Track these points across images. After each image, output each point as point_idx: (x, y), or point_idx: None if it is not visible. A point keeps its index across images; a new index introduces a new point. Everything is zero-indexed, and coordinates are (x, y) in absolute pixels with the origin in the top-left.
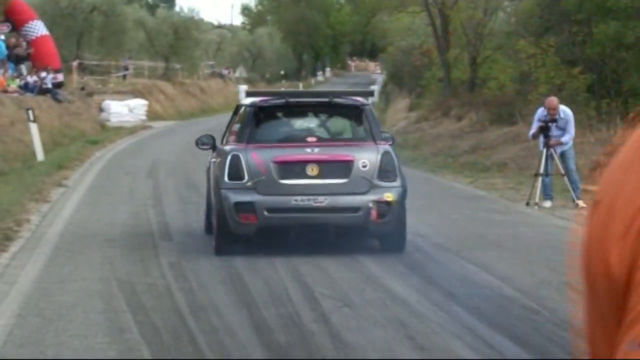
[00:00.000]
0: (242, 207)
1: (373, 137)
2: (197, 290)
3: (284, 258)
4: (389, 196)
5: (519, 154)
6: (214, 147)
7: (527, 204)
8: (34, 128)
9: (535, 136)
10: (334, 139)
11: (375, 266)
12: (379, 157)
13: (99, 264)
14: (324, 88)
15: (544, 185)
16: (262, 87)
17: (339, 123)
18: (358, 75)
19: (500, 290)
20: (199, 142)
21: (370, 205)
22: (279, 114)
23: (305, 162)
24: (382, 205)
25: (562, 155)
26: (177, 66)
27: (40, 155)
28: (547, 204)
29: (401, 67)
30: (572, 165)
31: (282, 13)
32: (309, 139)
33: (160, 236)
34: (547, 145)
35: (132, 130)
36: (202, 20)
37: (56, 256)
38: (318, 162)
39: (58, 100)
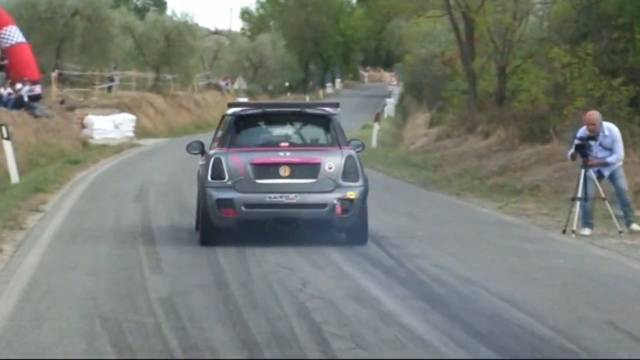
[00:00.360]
0: (223, 203)
1: (338, 142)
2: (190, 330)
3: (288, 292)
4: (351, 194)
5: (554, 175)
6: (202, 152)
7: (564, 231)
8: (7, 146)
9: (574, 157)
10: (304, 144)
11: (390, 301)
12: (343, 160)
13: (80, 299)
14: (334, 100)
15: (583, 210)
16: (265, 99)
17: (309, 130)
18: (372, 86)
19: (533, 328)
20: (189, 148)
21: (335, 202)
22: (257, 122)
23: (279, 164)
24: (346, 202)
25: (612, 176)
26: (169, 77)
27: (14, 177)
28: (586, 231)
29: (420, 78)
30: (623, 185)
31: (286, 17)
32: (282, 144)
33: (149, 268)
34: (585, 166)
35: (118, 148)
36: (196, 25)
37: (32, 290)
38: (290, 164)
39: (35, 115)
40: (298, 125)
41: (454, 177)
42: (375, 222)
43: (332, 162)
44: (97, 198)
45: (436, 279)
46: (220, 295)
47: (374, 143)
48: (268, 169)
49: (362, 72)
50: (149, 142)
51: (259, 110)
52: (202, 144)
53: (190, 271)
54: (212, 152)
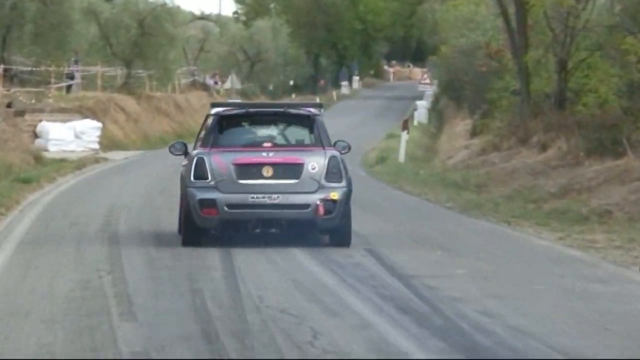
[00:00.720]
0: (206, 203)
1: (322, 143)
2: None
3: (295, 346)
4: (334, 195)
5: (629, 198)
6: (185, 153)
7: None
8: None
9: None
10: (288, 144)
11: (423, 357)
12: (327, 161)
13: (32, 354)
14: (353, 102)
15: None
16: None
17: (292, 130)
18: (398, 85)
19: None
20: (172, 149)
21: (318, 202)
22: (240, 122)
23: (262, 165)
24: (329, 202)
25: None
26: (143, 73)
27: None
28: None
29: (460, 75)
30: None
31: None
32: (265, 144)
33: (119, 314)
34: None
35: (79, 163)
36: (178, 8)
37: None
38: (272, 164)
39: None
40: (281, 125)
41: (502, 201)
42: (403, 256)
43: (315, 162)
44: (54, 227)
45: (481, 328)
46: (209, 349)
47: (401, 157)
48: (251, 169)
49: (386, 67)
50: (118, 156)
51: (242, 111)
52: (185, 145)
53: (171, 319)
54: (194, 152)
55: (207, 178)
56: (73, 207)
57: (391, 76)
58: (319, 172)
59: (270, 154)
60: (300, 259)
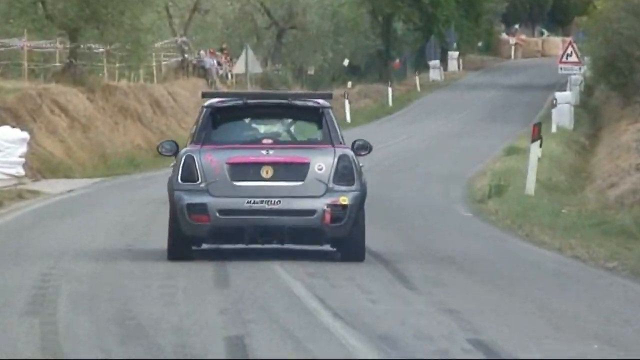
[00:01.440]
0: (195, 209)
1: (331, 139)
2: None
3: None
4: (344, 199)
5: None
6: (176, 154)
7: None
8: None
9: None
10: (291, 141)
11: None
12: (336, 160)
13: None
14: (448, 95)
15: None
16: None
17: (297, 125)
18: (524, 65)
19: None
20: (160, 148)
21: (325, 208)
22: (237, 115)
23: (260, 164)
24: (338, 208)
25: None
26: (99, 49)
27: None
28: None
29: (628, 49)
30: None
31: None
32: (265, 141)
33: None
34: None
35: None
36: None
37: None
38: (273, 164)
39: None
40: (285, 119)
41: None
42: (535, 351)
43: (322, 162)
44: None
45: None
46: None
47: (530, 186)
48: (247, 170)
49: (504, 36)
50: (57, 187)
51: (240, 102)
52: (176, 145)
53: None
54: (183, 150)
55: (197, 180)
56: None
57: (512, 51)
58: (327, 173)
59: (271, 152)
60: (361, 355)
